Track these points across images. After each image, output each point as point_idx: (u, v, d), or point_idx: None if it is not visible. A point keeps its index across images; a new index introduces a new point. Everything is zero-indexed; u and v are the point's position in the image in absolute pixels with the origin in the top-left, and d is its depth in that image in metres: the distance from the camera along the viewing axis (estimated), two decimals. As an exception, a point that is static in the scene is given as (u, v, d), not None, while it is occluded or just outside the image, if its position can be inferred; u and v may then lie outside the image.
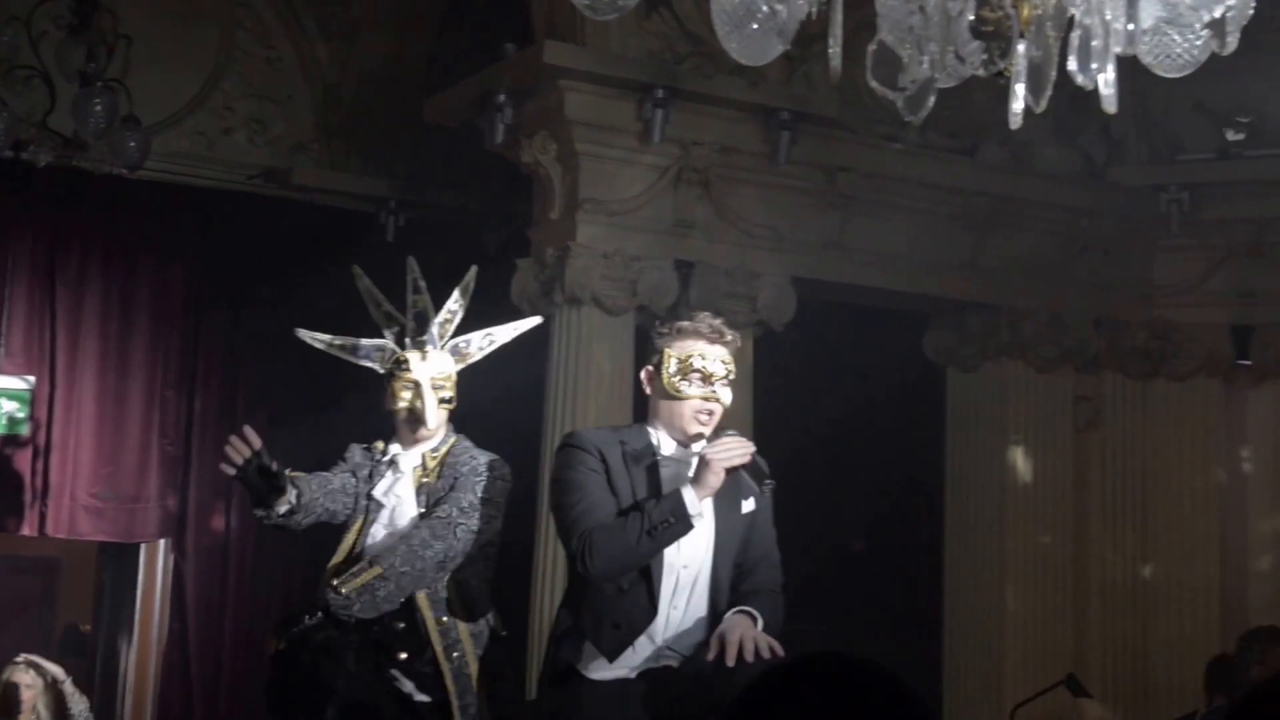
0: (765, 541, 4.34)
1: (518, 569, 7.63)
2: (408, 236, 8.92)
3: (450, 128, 8.30)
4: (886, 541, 9.00)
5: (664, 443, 4.27)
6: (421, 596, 4.83)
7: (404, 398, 4.92)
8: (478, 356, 5.14)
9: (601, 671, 4.11)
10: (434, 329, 5.04)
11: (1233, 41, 3.67)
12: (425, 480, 4.92)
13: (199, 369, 8.44)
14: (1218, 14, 3.43)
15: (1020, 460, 8.54)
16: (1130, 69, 3.91)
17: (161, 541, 8.41)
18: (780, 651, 4.00)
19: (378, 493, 4.90)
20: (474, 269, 5.18)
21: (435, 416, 4.90)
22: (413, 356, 4.96)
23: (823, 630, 7.90)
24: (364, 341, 5.07)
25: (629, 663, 4.12)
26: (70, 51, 7.64)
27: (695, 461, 4.20)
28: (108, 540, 8.40)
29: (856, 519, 8.86)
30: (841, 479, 8.57)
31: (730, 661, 3.92)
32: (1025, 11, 3.59)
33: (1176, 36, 3.86)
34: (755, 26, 4.03)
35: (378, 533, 4.90)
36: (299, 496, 4.75)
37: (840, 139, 8.04)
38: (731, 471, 4.08)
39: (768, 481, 4.12)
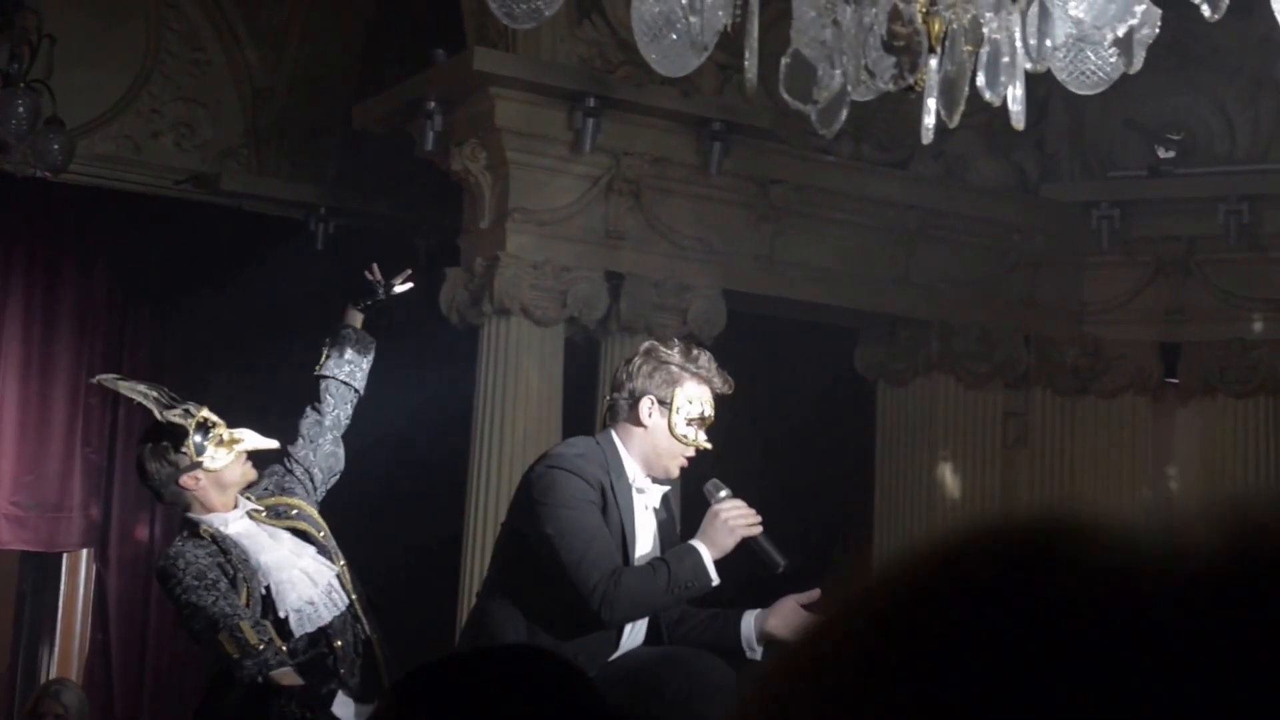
0: None
1: (443, 584, 7.59)
2: (337, 243, 8.86)
3: (380, 134, 8.25)
4: (814, 557, 8.96)
5: (638, 475, 4.19)
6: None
7: (230, 450, 4.70)
8: None
9: None
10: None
11: (1138, 60, 3.68)
12: (262, 512, 4.80)
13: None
14: (1121, 32, 3.42)
15: (949, 476, 8.55)
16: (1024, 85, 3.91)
17: (84, 551, 8.30)
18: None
19: (267, 558, 4.70)
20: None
21: (272, 442, 4.79)
22: (206, 412, 4.72)
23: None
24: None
25: None
26: (-8, 52, 7.54)
27: (656, 499, 4.22)
28: (29, 549, 8.28)
29: (785, 535, 8.81)
30: (770, 494, 8.53)
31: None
32: (936, 27, 3.59)
33: (1090, 54, 3.87)
34: (675, 37, 4.01)
35: (297, 579, 4.71)
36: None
37: (773, 151, 8.03)
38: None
39: (785, 562, 4.10)
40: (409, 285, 5.09)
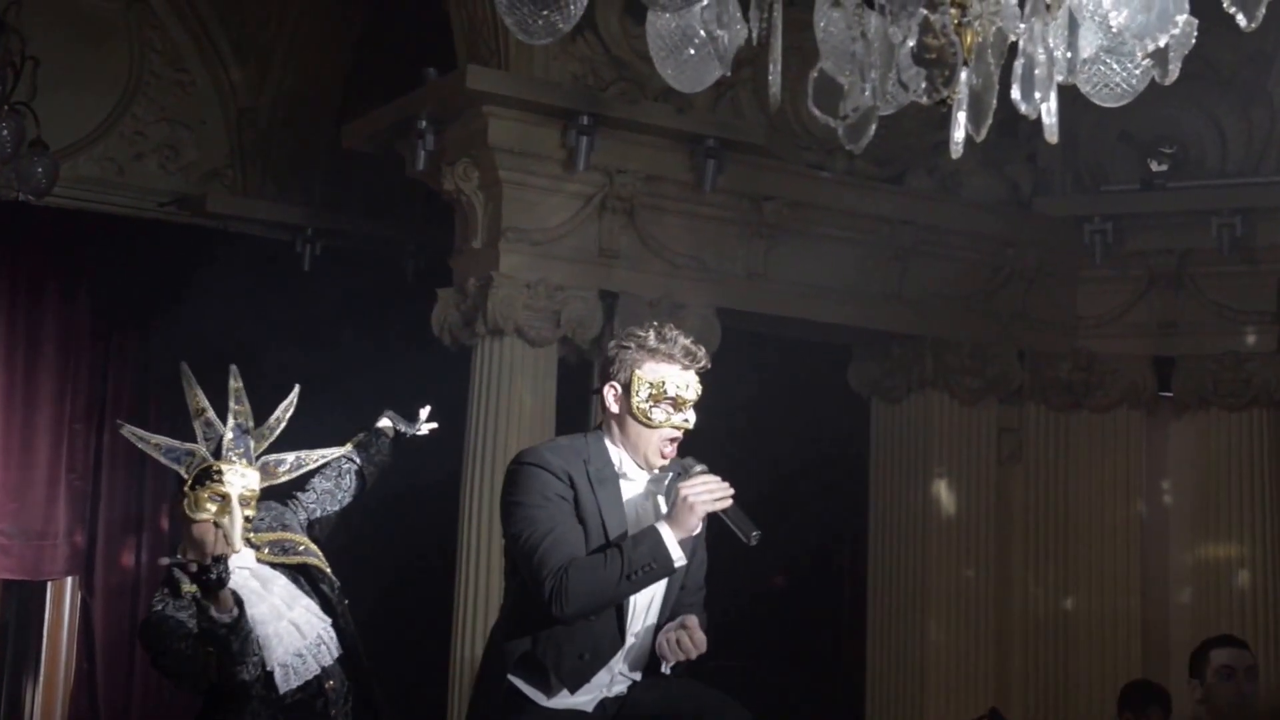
0: (702, 554, 4.12)
1: (439, 598, 7.49)
2: (324, 265, 8.78)
3: (368, 154, 8.16)
4: (809, 574, 8.92)
5: (625, 463, 4.01)
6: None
7: (209, 510, 4.55)
8: (284, 479, 4.80)
9: (554, 700, 3.97)
10: (251, 442, 4.68)
11: (1174, 71, 3.62)
12: (264, 552, 4.69)
13: (108, 401, 8.20)
14: (1162, 43, 3.36)
15: (944, 492, 8.50)
16: (1057, 97, 3.85)
17: (69, 579, 8.16)
18: (702, 648, 3.89)
19: (254, 611, 4.56)
20: (297, 388, 4.86)
21: (240, 539, 4.57)
22: (226, 468, 4.57)
23: (744, 665, 7.81)
24: (177, 444, 4.65)
25: (585, 691, 3.97)
26: (-25, 74, 7.41)
27: (660, 486, 3.99)
28: (13, 578, 8.13)
29: (779, 552, 8.76)
30: (765, 511, 8.45)
31: (672, 656, 3.89)
32: (968, 38, 3.52)
33: (1115, 66, 3.81)
34: (692, 52, 3.93)
35: (284, 632, 4.57)
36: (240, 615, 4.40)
37: (766, 167, 7.98)
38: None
39: (755, 533, 3.86)
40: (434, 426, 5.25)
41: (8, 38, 7.47)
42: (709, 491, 3.83)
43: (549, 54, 7.47)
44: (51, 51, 7.83)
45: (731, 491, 3.86)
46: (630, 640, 3.99)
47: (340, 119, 8.49)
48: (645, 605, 4.01)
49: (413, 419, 5.18)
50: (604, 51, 7.71)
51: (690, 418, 3.99)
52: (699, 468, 3.93)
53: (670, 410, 3.94)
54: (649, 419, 3.94)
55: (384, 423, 5.13)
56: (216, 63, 8.81)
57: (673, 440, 3.97)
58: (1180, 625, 8.52)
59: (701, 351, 4.03)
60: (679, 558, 3.82)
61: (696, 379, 4.01)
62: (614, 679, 4.00)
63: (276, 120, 8.87)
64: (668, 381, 3.95)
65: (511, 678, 3.96)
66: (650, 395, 3.94)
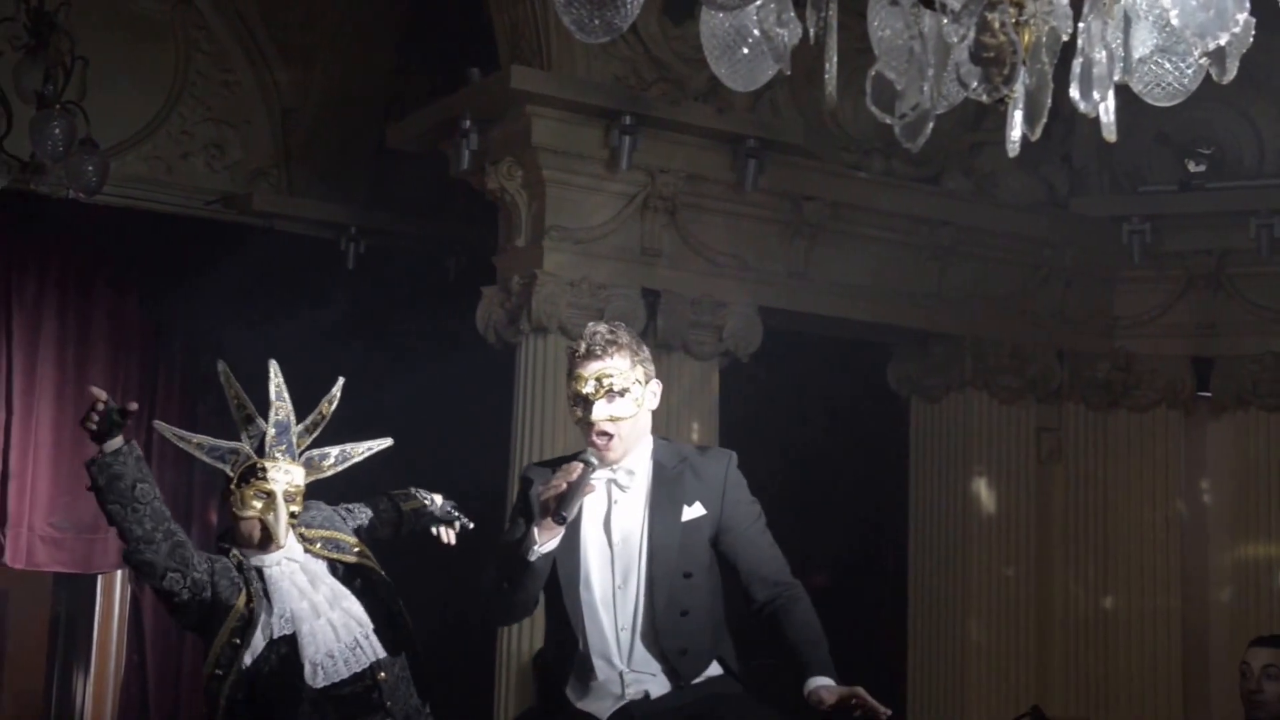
0: (755, 549, 4.03)
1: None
2: (368, 263, 8.86)
3: (413, 153, 8.24)
4: (849, 574, 8.95)
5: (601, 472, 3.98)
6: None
7: (255, 507, 4.58)
8: (329, 473, 4.83)
9: (582, 702, 4.02)
10: (294, 438, 4.70)
11: (1232, 69, 3.66)
12: (318, 548, 4.76)
13: (157, 397, 8.29)
14: (1223, 41, 3.40)
15: (983, 491, 8.54)
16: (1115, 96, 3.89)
17: (119, 572, 8.25)
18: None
19: (296, 606, 4.65)
20: (341, 381, 4.81)
21: (285, 533, 4.62)
22: (270, 465, 4.61)
23: (781, 664, 7.84)
24: (220, 443, 4.69)
25: (601, 693, 3.96)
26: (27, 73, 7.46)
27: (627, 474, 3.96)
28: (66, 571, 8.21)
29: (819, 551, 8.81)
30: (805, 510, 8.52)
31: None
32: (1027, 37, 3.57)
33: (1168, 65, 3.84)
34: (745, 51, 3.98)
35: (319, 630, 4.64)
36: (129, 454, 4.53)
37: (806, 167, 8.03)
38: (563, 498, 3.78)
39: (562, 514, 3.76)
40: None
41: (58, 38, 7.55)
42: (550, 484, 3.81)
43: (590, 54, 7.54)
44: (101, 51, 7.92)
45: (564, 484, 3.77)
46: (616, 635, 3.94)
47: (384, 119, 8.58)
48: (632, 601, 3.95)
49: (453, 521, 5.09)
50: (644, 52, 7.77)
51: (605, 409, 3.88)
52: (582, 456, 3.91)
53: (580, 409, 3.92)
54: (576, 418, 3.96)
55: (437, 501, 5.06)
56: (261, 63, 8.91)
57: (603, 434, 3.89)
58: (1220, 625, 8.55)
59: (604, 339, 3.94)
60: (532, 552, 3.79)
61: (608, 366, 3.90)
62: (625, 678, 3.95)
63: (321, 120, 8.96)
64: (576, 382, 3.93)
65: (547, 682, 4.08)
66: (569, 399, 3.98)
